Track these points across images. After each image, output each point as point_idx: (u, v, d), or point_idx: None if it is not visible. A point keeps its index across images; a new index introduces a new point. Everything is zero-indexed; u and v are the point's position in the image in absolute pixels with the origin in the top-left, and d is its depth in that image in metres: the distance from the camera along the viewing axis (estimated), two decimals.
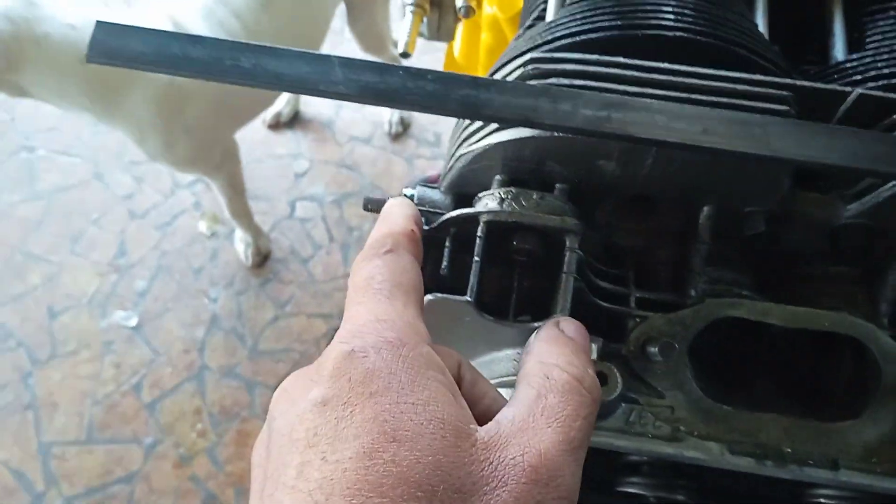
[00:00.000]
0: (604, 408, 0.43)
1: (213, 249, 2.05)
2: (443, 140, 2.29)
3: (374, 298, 0.33)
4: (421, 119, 2.32)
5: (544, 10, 0.55)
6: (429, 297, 0.43)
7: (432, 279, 0.47)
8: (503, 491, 0.27)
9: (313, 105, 2.33)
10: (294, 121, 2.29)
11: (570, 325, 0.37)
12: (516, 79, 0.44)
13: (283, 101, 2.13)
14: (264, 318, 1.94)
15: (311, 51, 0.41)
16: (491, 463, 0.28)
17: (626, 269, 0.47)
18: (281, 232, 2.10)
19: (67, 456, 1.78)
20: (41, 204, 2.14)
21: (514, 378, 0.46)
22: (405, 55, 0.75)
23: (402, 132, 2.03)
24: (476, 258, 0.42)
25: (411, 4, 0.78)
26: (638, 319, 0.44)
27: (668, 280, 0.47)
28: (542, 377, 0.33)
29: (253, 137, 2.26)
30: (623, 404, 0.43)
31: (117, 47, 0.41)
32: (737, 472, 0.44)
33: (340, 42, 2.24)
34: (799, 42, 0.56)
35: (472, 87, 0.40)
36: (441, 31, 0.82)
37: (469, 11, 0.73)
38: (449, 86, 0.40)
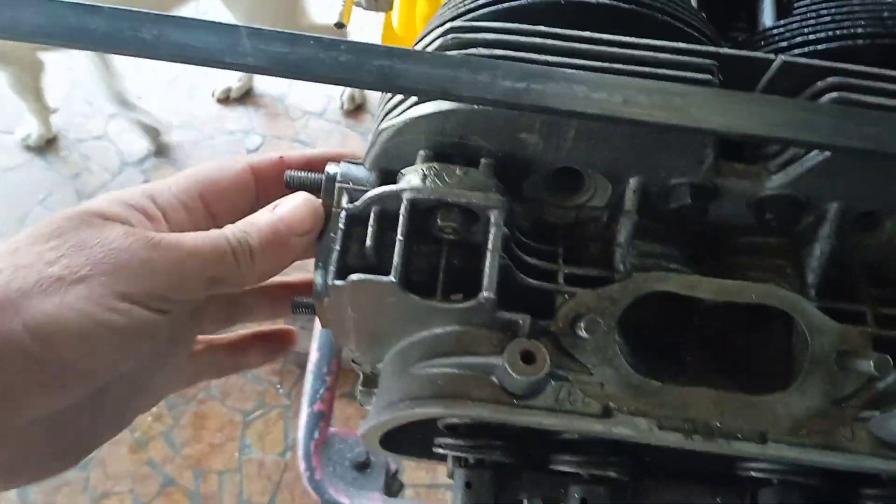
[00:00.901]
0: (532, 386, 0.43)
1: None
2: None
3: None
4: (376, 95, 2.28)
5: None
6: (352, 276, 0.42)
7: (358, 258, 0.45)
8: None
9: (265, 80, 2.28)
10: (245, 96, 2.24)
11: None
12: (436, 49, 0.42)
13: (234, 77, 2.08)
14: None
15: (217, 21, 0.39)
16: None
17: (554, 245, 0.46)
18: None
19: None
20: None
21: (441, 360, 0.45)
22: (340, 25, 0.72)
23: (353, 109, 2.00)
24: (399, 237, 0.41)
25: None
26: (566, 296, 0.44)
27: (598, 255, 0.46)
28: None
29: (205, 113, 2.21)
30: (552, 382, 0.43)
31: (11, 19, 0.38)
32: (667, 448, 0.43)
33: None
34: (729, 8, 0.55)
35: (387, 58, 0.38)
36: (379, 1, 0.80)
37: None
38: (363, 56, 0.38)
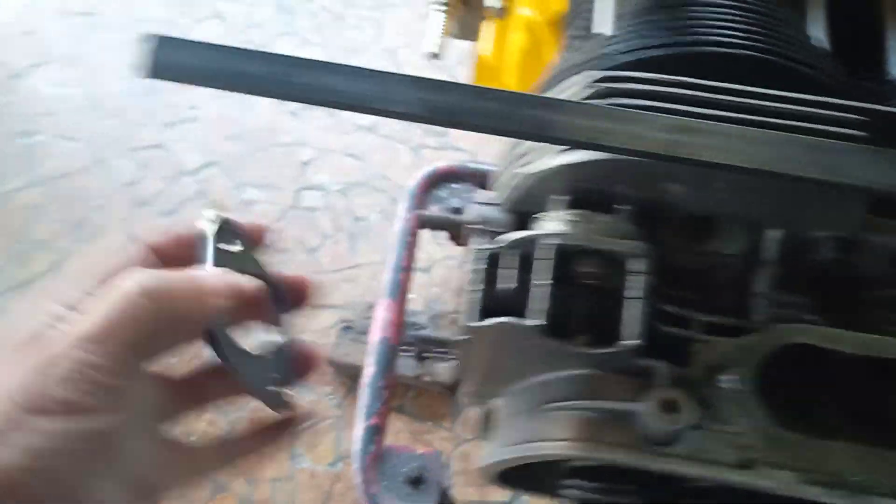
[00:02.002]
0: (672, 434, 0.42)
1: None
2: (450, 131, 2.26)
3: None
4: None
5: (589, 18, 0.53)
6: (496, 320, 0.42)
7: (491, 298, 0.46)
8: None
9: None
10: (299, 108, 2.26)
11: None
12: (582, 97, 0.42)
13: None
14: None
15: (369, 68, 0.39)
16: None
17: (686, 291, 0.45)
18: (287, 221, 2.07)
19: None
20: (42, 190, 2.11)
21: (575, 403, 0.45)
22: (434, 56, 0.73)
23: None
24: (550, 281, 0.41)
25: (439, 2, 0.76)
26: (703, 344, 0.43)
27: (730, 303, 0.45)
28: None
29: (257, 125, 2.23)
30: (691, 430, 0.42)
31: (176, 63, 0.39)
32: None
33: None
34: (854, 54, 0.54)
35: (539, 108, 0.38)
36: (468, 31, 0.80)
37: (500, 13, 0.71)
38: (515, 106, 0.38)
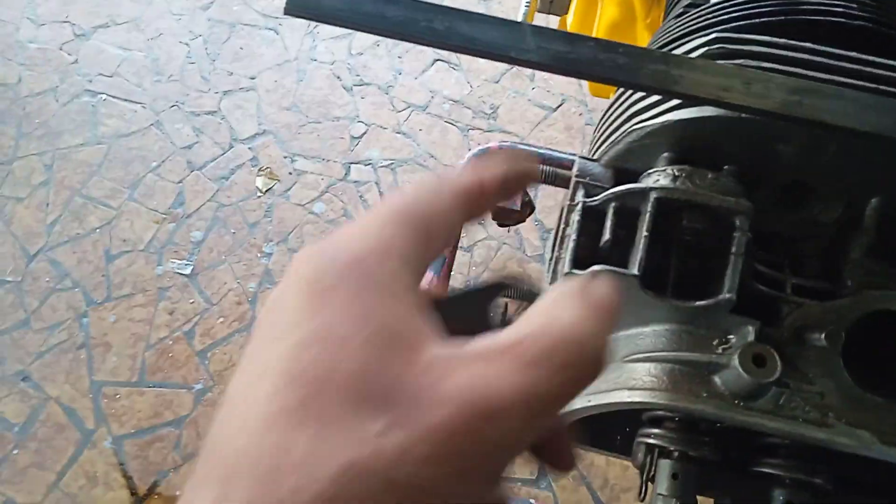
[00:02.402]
0: (756, 389, 0.44)
1: (269, 205, 2.07)
2: (499, 113, 2.28)
3: (372, 218, 0.31)
4: (479, 90, 2.31)
5: None
6: (595, 268, 0.44)
7: (588, 251, 0.48)
8: (433, 411, 0.24)
9: (372, 69, 2.33)
10: (353, 83, 2.29)
11: (603, 288, 0.29)
12: (700, 57, 0.44)
13: None
14: None
15: (503, 17, 0.42)
16: (429, 380, 0.25)
17: (779, 254, 0.47)
18: (335, 193, 2.11)
19: (118, 396, 1.82)
20: (102, 148, 2.17)
21: (660, 354, 0.47)
22: None
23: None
24: (645, 233, 0.43)
25: None
26: (793, 305, 0.45)
27: (820, 269, 0.47)
28: (540, 325, 0.27)
29: (311, 98, 2.27)
30: (774, 387, 0.44)
31: (315, 1, 0.42)
32: (874, 462, 0.44)
33: None
34: None
35: (663, 63, 0.40)
36: (554, 4, 0.82)
37: None
38: (640, 60, 0.40)
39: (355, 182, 2.14)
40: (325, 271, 0.27)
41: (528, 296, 0.31)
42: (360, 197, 2.11)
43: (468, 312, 0.30)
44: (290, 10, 0.42)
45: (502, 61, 0.41)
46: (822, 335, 0.43)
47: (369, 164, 2.17)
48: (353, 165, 2.17)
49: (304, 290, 0.27)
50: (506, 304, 0.31)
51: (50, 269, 1.98)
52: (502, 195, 0.37)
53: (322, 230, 2.04)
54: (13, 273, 1.97)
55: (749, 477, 0.49)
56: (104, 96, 2.26)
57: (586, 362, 0.26)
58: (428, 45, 0.42)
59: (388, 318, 0.26)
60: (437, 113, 2.27)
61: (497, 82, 2.33)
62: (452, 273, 0.88)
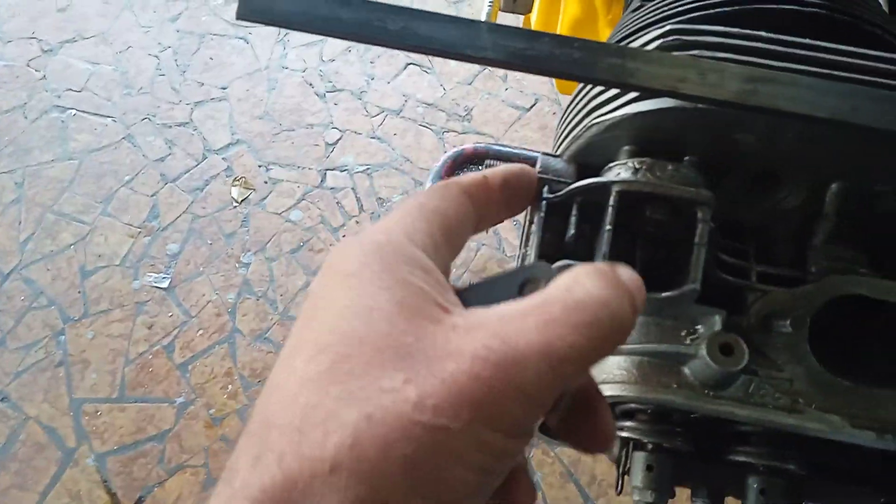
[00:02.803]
0: (724, 378, 0.44)
1: (245, 215, 2.05)
2: (474, 114, 2.28)
3: (393, 213, 0.34)
4: (452, 93, 2.31)
5: None
6: (559, 263, 0.44)
7: (553, 247, 0.48)
8: (448, 362, 0.26)
9: (344, 75, 2.32)
10: (326, 90, 2.29)
11: (626, 270, 0.31)
12: (655, 49, 0.44)
13: None
14: (295, 285, 1.95)
15: (459, 16, 0.41)
16: (449, 340, 0.27)
17: (745, 243, 0.47)
18: (311, 201, 2.10)
19: (99, 413, 1.80)
20: (73, 164, 2.14)
21: (629, 347, 0.47)
22: None
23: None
24: (608, 227, 0.43)
25: None
26: (759, 293, 0.45)
27: (786, 255, 0.47)
28: (562, 289, 0.28)
29: (284, 106, 2.26)
30: (743, 375, 0.44)
31: (267, 5, 0.41)
32: (845, 447, 0.45)
33: None
34: None
35: (618, 56, 0.40)
36: (518, 3, 0.82)
37: None
38: (595, 54, 0.40)
39: (331, 189, 2.13)
40: (353, 256, 0.30)
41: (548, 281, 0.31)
42: (337, 203, 2.10)
43: (490, 300, 0.30)
44: (242, 15, 0.42)
45: (459, 59, 0.41)
46: (788, 322, 0.43)
47: (345, 170, 2.17)
48: (328, 172, 2.16)
49: (336, 275, 0.30)
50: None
51: (24, 288, 1.95)
52: (507, 197, 0.39)
53: (300, 238, 2.03)
54: None
55: (724, 466, 0.49)
56: (74, 111, 2.24)
57: (607, 324, 0.27)
58: (384, 46, 0.42)
59: (411, 290, 0.28)
60: (412, 117, 2.27)
61: (470, 84, 2.34)
62: None
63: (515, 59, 0.40)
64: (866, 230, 0.46)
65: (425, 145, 2.24)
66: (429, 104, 2.28)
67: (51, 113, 2.24)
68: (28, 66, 2.31)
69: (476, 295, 0.31)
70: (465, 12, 2.55)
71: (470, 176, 0.38)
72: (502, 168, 0.39)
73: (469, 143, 2.00)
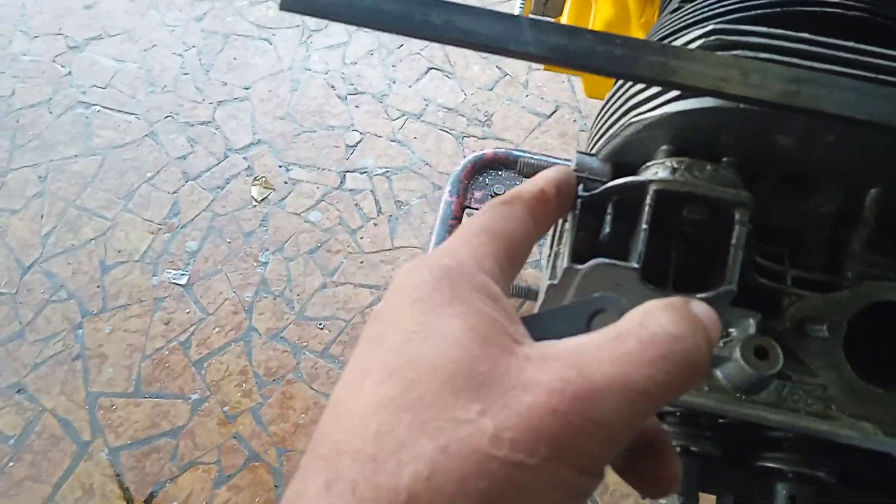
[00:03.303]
0: (758, 382, 0.44)
1: (264, 215, 2.06)
2: (494, 120, 2.29)
3: (459, 236, 0.34)
4: (473, 98, 2.31)
5: None
6: (594, 261, 0.44)
7: (587, 245, 0.47)
8: (524, 394, 0.25)
9: (366, 78, 2.33)
10: (347, 92, 2.30)
11: (700, 305, 0.31)
12: (698, 49, 0.44)
13: None
14: (312, 285, 1.95)
15: (500, 11, 0.41)
16: (523, 370, 0.26)
17: (780, 247, 0.47)
18: (330, 202, 2.11)
19: (114, 407, 1.81)
20: (96, 160, 2.16)
21: None
22: None
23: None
24: (644, 226, 0.43)
25: None
26: (794, 297, 0.45)
27: (821, 260, 0.47)
28: (635, 323, 0.28)
29: (306, 107, 2.27)
30: (776, 380, 0.44)
31: None
32: (876, 456, 0.44)
33: None
34: None
35: (661, 54, 0.40)
36: (548, 6, 0.82)
37: None
38: (638, 51, 0.40)
39: (350, 190, 2.14)
40: (423, 281, 0.30)
41: (620, 314, 0.30)
42: (356, 205, 2.11)
43: (557, 332, 0.30)
44: (286, 6, 0.42)
45: (501, 54, 0.41)
46: (824, 327, 0.43)
47: (364, 172, 2.17)
48: (348, 174, 2.17)
49: (405, 299, 0.29)
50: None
51: (45, 281, 1.97)
52: (560, 204, 0.40)
53: (318, 239, 2.04)
54: (8, 285, 1.96)
55: (752, 473, 0.48)
56: (98, 108, 2.26)
57: (682, 359, 0.27)
58: (426, 39, 0.42)
59: (483, 318, 0.28)
60: (432, 121, 2.27)
61: (491, 90, 2.34)
62: None
63: (557, 55, 0.40)
64: None
65: (445, 150, 2.24)
66: (449, 109, 2.29)
67: (76, 109, 2.26)
68: (54, 61, 2.34)
69: (541, 326, 0.31)
70: (518, 12, 2.56)
71: (529, 191, 0.38)
72: (552, 175, 0.40)
73: (489, 149, 1.99)
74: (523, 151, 1.82)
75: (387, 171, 2.18)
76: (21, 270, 1.98)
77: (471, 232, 0.34)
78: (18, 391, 1.83)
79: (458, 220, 1.65)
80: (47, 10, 2.45)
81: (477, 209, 1.75)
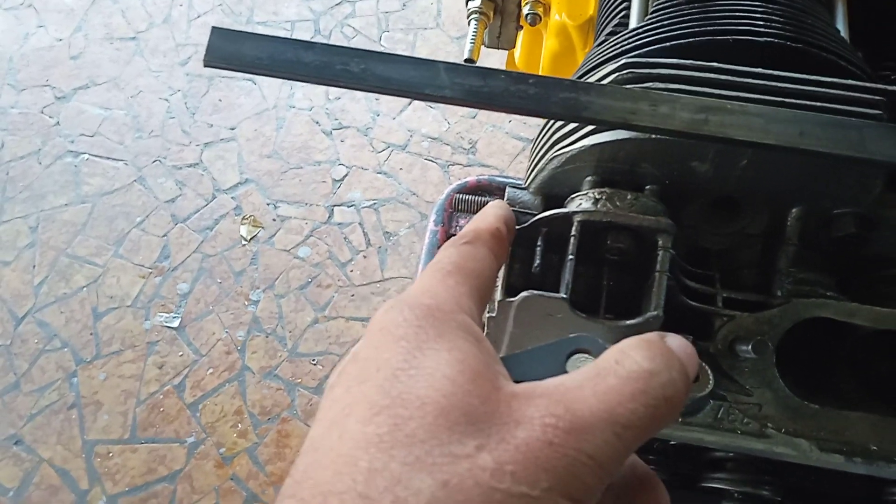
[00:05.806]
0: (693, 404, 0.44)
1: (254, 253, 2.08)
2: (478, 147, 2.31)
3: (431, 275, 0.35)
4: (456, 126, 2.34)
5: (625, 16, 0.56)
6: (524, 294, 0.45)
7: (521, 277, 0.48)
8: (519, 429, 0.26)
9: (350, 112, 2.36)
10: (332, 127, 2.32)
11: (676, 339, 0.32)
12: (611, 83, 0.45)
13: None
14: (304, 321, 1.96)
15: (416, 56, 0.43)
16: (512, 407, 0.27)
17: (711, 269, 0.48)
18: (319, 237, 2.12)
19: (111, 454, 1.81)
20: (86, 207, 2.19)
21: None
22: (470, 62, 0.77)
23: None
24: (570, 256, 0.44)
25: (475, 12, 0.80)
26: (725, 318, 0.46)
27: (752, 280, 0.48)
28: (612, 361, 0.29)
29: (292, 144, 2.30)
30: (711, 401, 0.45)
31: (233, 53, 0.43)
32: (819, 470, 0.45)
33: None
34: (876, 46, 0.57)
35: (572, 91, 0.41)
36: (501, 39, 0.84)
37: (535, 19, 0.75)
38: (550, 89, 0.41)
39: (339, 224, 2.15)
40: (406, 320, 0.30)
41: (597, 353, 0.31)
42: (345, 239, 2.12)
43: (535, 372, 0.30)
44: (209, 63, 0.43)
45: (418, 99, 0.42)
46: (749, 346, 0.44)
47: (352, 205, 2.19)
48: (336, 208, 2.18)
49: (387, 337, 0.30)
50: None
51: (38, 331, 1.98)
52: (510, 240, 0.40)
53: (308, 274, 2.05)
54: (2, 336, 1.97)
55: (699, 493, 0.49)
56: (86, 156, 2.29)
57: (660, 392, 0.28)
58: (346, 88, 0.43)
59: (469, 356, 0.29)
60: (417, 151, 2.30)
61: (474, 117, 2.36)
62: None
63: (472, 97, 0.42)
64: (829, 253, 0.46)
65: (431, 179, 2.26)
66: (434, 138, 2.31)
67: (64, 158, 2.29)
68: (42, 112, 2.37)
69: (518, 366, 0.31)
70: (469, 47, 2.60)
71: (487, 230, 0.39)
72: (499, 212, 0.41)
73: (472, 176, 2.01)
74: (507, 177, 1.84)
75: (374, 203, 2.20)
76: (15, 321, 1.99)
77: (443, 272, 0.35)
78: (16, 443, 1.84)
79: None
80: (34, 62, 2.49)
81: None
